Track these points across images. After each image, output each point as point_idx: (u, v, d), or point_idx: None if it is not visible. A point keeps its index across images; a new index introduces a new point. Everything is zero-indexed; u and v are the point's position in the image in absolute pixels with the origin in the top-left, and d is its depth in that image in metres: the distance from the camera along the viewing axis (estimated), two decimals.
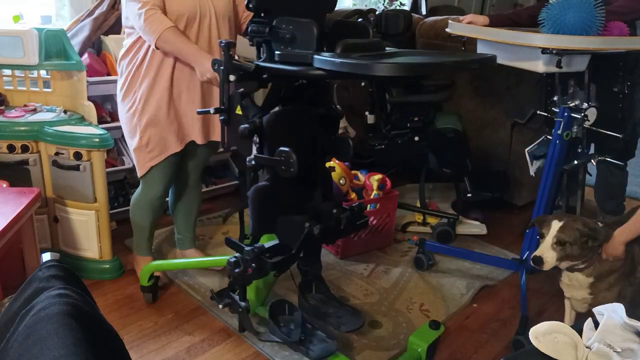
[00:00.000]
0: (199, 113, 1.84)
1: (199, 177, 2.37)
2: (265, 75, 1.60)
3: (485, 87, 3.15)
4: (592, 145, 2.59)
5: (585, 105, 2.18)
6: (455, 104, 3.23)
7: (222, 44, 1.58)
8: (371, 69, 1.28)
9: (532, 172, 2.41)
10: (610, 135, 2.30)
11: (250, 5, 1.55)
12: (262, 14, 1.56)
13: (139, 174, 2.13)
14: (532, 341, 1.00)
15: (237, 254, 1.67)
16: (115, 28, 2.80)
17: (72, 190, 2.21)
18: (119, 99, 2.10)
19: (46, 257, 1.11)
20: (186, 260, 2.41)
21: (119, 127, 2.20)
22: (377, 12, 3.73)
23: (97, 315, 1.03)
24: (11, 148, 2.17)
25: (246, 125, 1.57)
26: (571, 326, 1.04)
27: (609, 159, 2.47)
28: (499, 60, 1.70)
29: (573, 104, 2.20)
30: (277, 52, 1.51)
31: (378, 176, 2.68)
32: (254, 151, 1.63)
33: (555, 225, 1.74)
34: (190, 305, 2.21)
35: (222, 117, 1.67)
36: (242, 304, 1.76)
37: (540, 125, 2.48)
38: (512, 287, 2.46)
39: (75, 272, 1.11)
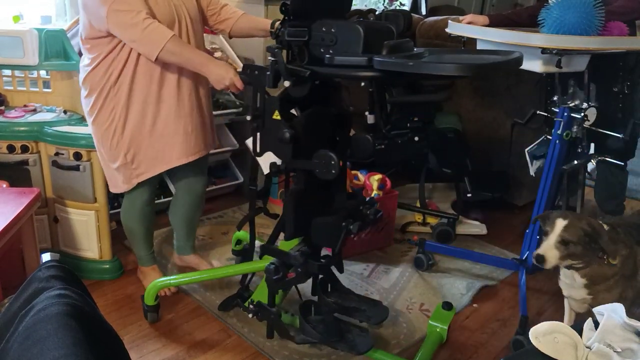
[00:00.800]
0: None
1: (204, 185, 2.30)
2: (317, 81, 1.57)
3: (485, 87, 3.15)
4: (592, 145, 2.59)
5: (585, 105, 2.18)
6: (455, 104, 3.23)
7: (275, 50, 1.54)
8: (442, 69, 1.35)
9: (532, 172, 2.42)
10: (610, 135, 2.30)
11: (287, 9, 1.53)
12: (295, 18, 1.55)
13: (124, 189, 2.04)
14: (532, 341, 1.00)
15: (275, 260, 1.69)
16: None
17: (72, 190, 2.21)
18: (89, 119, 1.98)
19: (46, 257, 1.11)
20: (193, 276, 2.23)
21: None
22: (377, 12, 3.75)
23: (97, 316, 1.03)
24: (11, 148, 2.18)
25: (289, 130, 1.55)
26: (571, 326, 1.03)
27: (609, 159, 2.47)
28: None
29: (573, 104, 2.20)
30: (327, 56, 1.50)
31: (378, 176, 2.68)
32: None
33: (560, 223, 1.70)
34: (190, 305, 2.21)
35: (255, 124, 1.64)
36: (273, 309, 1.78)
37: (540, 125, 2.48)
38: (512, 287, 2.46)
39: (75, 273, 1.11)
